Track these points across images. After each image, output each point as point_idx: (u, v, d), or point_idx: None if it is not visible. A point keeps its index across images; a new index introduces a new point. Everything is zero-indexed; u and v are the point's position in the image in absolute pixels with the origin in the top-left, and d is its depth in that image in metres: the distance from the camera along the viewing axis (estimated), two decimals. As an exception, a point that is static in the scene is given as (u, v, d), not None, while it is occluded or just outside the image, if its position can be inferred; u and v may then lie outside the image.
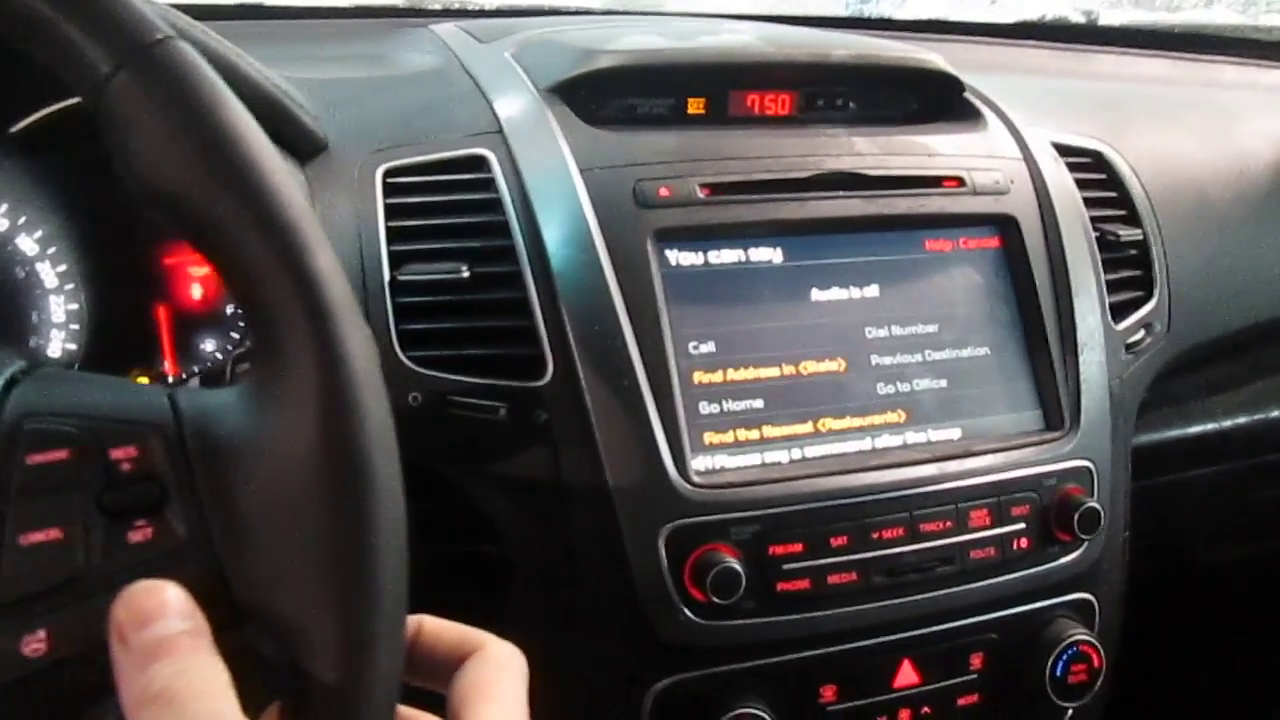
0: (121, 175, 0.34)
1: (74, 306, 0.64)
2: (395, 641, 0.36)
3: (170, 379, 0.67)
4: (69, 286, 0.64)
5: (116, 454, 0.34)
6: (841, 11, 1.31)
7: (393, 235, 0.62)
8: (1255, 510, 0.95)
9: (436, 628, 0.41)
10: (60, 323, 0.64)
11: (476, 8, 1.06)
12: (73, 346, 0.65)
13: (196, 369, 0.67)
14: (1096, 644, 0.67)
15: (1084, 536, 0.66)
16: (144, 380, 0.65)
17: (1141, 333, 0.76)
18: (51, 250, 0.63)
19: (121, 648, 0.31)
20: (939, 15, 1.25)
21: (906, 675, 0.65)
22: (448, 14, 1.03)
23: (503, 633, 0.41)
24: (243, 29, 0.92)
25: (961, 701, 0.67)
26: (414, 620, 0.41)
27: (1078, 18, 1.24)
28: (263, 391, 0.36)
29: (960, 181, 0.69)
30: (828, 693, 0.63)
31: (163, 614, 0.32)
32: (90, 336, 0.65)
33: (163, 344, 0.67)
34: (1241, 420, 0.87)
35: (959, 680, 0.67)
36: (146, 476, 0.35)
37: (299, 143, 0.63)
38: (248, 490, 0.35)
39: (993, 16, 1.31)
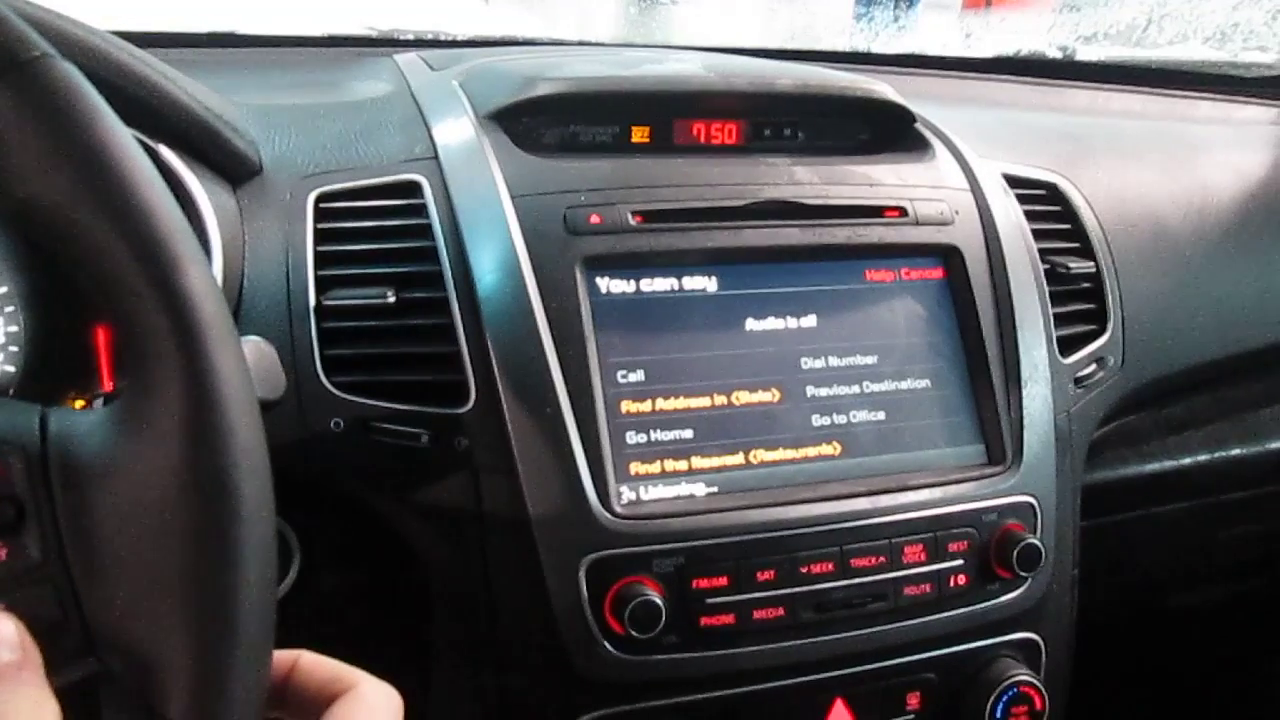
0: None
1: (13, 328, 0.64)
2: (255, 675, 0.35)
3: (103, 400, 0.66)
4: (9, 308, 0.64)
5: None
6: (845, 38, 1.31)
7: (321, 260, 0.61)
8: (1221, 550, 0.92)
9: (311, 664, 0.40)
10: None
11: (449, 38, 1.06)
12: (10, 369, 0.64)
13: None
14: (1039, 685, 0.65)
15: (1024, 574, 0.64)
16: (79, 403, 0.65)
17: (1093, 367, 0.75)
18: None
19: None
20: (916, 50, 1.25)
21: (839, 715, 0.63)
22: (420, 44, 1.03)
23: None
24: (212, 55, 0.93)
25: (898, 742, 0.65)
26: (290, 655, 0.40)
27: (1054, 53, 1.23)
28: (129, 412, 0.36)
29: (902, 211, 0.68)
30: (756, 731, 0.62)
31: None
32: (29, 358, 0.64)
33: (100, 366, 0.67)
34: (1202, 458, 0.85)
35: (895, 721, 0.65)
36: (3, 497, 0.34)
37: (231, 166, 0.63)
38: (106, 512, 0.35)
39: (970, 52, 1.31)
